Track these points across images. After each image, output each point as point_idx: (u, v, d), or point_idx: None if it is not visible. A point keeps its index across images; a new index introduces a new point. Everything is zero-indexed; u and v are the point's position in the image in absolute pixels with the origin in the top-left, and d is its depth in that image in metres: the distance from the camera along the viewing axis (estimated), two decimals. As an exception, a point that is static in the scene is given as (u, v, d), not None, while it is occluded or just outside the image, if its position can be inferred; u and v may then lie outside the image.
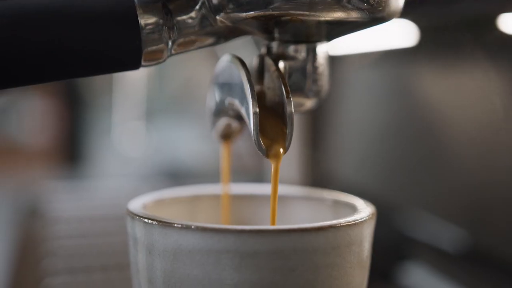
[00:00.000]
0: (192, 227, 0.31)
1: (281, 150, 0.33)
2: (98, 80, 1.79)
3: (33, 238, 0.76)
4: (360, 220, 0.33)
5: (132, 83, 1.62)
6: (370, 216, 0.34)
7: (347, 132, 0.88)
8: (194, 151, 1.48)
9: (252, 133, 0.33)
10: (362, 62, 0.81)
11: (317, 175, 0.92)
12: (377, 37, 0.69)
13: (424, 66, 0.68)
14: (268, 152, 0.33)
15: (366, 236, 0.34)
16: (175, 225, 0.31)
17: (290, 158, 0.93)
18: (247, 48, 0.96)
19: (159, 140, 1.64)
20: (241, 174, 1.23)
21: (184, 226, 0.31)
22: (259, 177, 1.01)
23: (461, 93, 0.62)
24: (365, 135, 0.82)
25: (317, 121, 0.91)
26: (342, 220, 0.32)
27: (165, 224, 0.32)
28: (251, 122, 0.33)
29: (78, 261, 0.65)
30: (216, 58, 1.04)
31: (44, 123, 2.12)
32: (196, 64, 1.51)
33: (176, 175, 1.25)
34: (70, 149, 1.98)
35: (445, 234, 0.62)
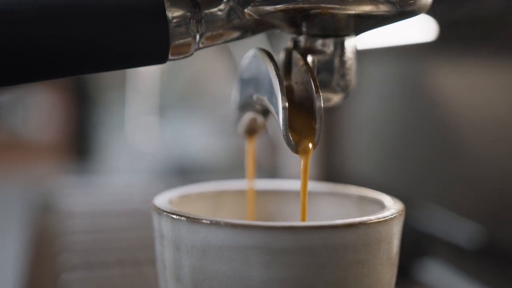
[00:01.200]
0: (222, 223, 0.31)
1: (310, 145, 0.33)
2: (111, 75, 1.78)
3: (47, 233, 0.76)
4: (390, 216, 0.33)
5: (145, 77, 1.62)
6: (400, 212, 0.34)
7: (361, 128, 0.88)
8: (207, 147, 1.47)
9: (281, 128, 0.32)
10: (379, 58, 0.80)
11: (332, 172, 0.92)
12: (394, 32, 0.69)
13: (441, 62, 0.68)
14: (297, 147, 0.33)
15: (396, 233, 0.33)
16: (204, 221, 0.31)
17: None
18: (261, 46, 0.95)
19: (171, 135, 1.64)
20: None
21: (213, 222, 0.31)
22: (272, 174, 1.00)
23: (478, 88, 0.62)
24: (380, 131, 0.82)
25: (331, 117, 0.90)
26: (373, 217, 0.32)
27: (193, 220, 0.31)
28: (280, 117, 0.32)
29: (94, 256, 0.65)
30: (229, 53, 1.04)
31: (55, 118, 2.12)
32: (208, 58, 1.51)
33: (188, 171, 1.25)
34: (82, 144, 1.98)
35: (461, 229, 0.62)
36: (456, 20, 0.62)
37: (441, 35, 0.64)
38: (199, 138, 1.56)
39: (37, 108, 2.15)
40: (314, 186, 0.40)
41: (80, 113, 2.01)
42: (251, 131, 0.39)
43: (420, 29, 0.65)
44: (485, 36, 0.60)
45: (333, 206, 0.40)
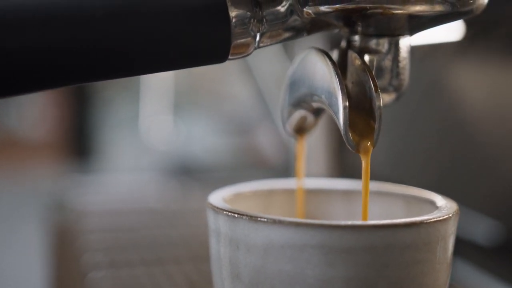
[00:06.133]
0: (285, 222, 0.31)
1: (370, 145, 0.33)
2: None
3: (67, 233, 0.76)
4: (449, 215, 0.33)
5: (160, 76, 1.61)
6: (456, 211, 0.34)
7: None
8: (219, 146, 1.47)
9: (341, 128, 0.32)
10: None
11: (344, 169, 0.92)
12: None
13: (464, 62, 0.68)
14: (357, 147, 0.33)
15: (453, 232, 0.34)
16: (267, 220, 0.31)
17: (317, 152, 0.93)
18: (276, 53, 0.96)
19: (185, 133, 1.64)
20: (260, 169, 1.23)
21: (276, 221, 0.31)
22: (283, 174, 1.00)
23: (497, 86, 0.62)
24: (393, 128, 0.82)
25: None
26: (433, 216, 0.32)
27: (255, 219, 0.31)
28: (340, 117, 0.32)
29: (118, 255, 0.65)
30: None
31: (59, 116, 2.11)
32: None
33: (201, 170, 1.25)
34: (91, 142, 1.98)
35: (479, 227, 0.62)
36: (483, 20, 0.62)
37: (467, 35, 0.64)
38: (211, 137, 1.56)
39: (38, 106, 2.14)
40: (359, 184, 0.40)
41: (85, 111, 2.01)
42: (301, 130, 0.39)
43: (446, 28, 0.65)
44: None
45: (380, 206, 0.40)
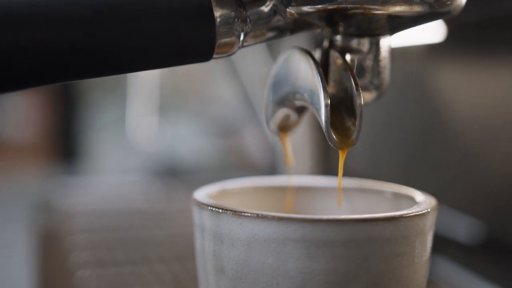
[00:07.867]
0: (269, 216, 0.31)
1: (351, 142, 0.34)
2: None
3: (55, 233, 0.76)
4: (427, 210, 0.34)
5: (146, 77, 1.62)
6: (435, 206, 0.35)
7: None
8: (204, 147, 1.47)
9: (323, 125, 0.33)
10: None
11: (328, 168, 0.93)
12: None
13: (447, 63, 0.69)
14: (339, 144, 0.34)
15: (432, 227, 0.34)
16: (250, 214, 0.32)
17: (302, 152, 0.94)
18: (261, 52, 0.96)
19: (171, 135, 1.64)
20: (246, 170, 1.24)
21: (260, 215, 0.32)
22: (270, 175, 1.01)
23: (480, 87, 0.63)
24: (376, 128, 0.83)
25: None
26: (412, 210, 0.33)
27: (239, 214, 0.32)
28: (322, 114, 0.33)
29: (105, 254, 0.66)
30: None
31: (47, 118, 2.10)
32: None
33: (187, 171, 1.25)
34: (79, 144, 1.98)
35: (462, 225, 0.63)
36: (464, 22, 0.63)
37: (449, 36, 0.65)
38: (197, 138, 1.56)
39: (23, 108, 2.14)
40: (347, 182, 0.41)
41: (72, 113, 2.01)
42: (284, 127, 0.40)
43: (427, 30, 0.66)
44: (494, 37, 0.61)
45: (363, 201, 0.41)
